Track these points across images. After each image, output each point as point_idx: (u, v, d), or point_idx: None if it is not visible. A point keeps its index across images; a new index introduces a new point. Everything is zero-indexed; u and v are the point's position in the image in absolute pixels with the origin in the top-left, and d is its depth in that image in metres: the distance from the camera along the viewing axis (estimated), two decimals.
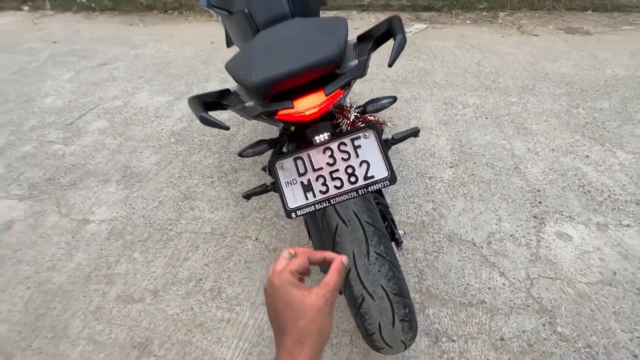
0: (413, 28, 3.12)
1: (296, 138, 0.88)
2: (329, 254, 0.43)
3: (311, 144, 0.78)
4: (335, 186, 0.75)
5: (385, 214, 0.95)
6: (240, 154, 0.86)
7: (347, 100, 0.96)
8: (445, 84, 2.23)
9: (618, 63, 2.26)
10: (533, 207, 1.41)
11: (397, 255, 0.79)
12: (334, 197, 0.74)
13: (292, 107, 0.70)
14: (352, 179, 0.74)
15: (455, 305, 1.13)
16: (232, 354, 1.08)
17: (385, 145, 0.94)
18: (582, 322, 1.06)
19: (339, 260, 0.42)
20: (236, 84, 0.82)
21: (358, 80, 0.81)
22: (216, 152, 1.90)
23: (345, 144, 0.76)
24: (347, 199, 0.74)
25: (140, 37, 3.55)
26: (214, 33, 3.42)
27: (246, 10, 0.98)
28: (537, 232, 1.32)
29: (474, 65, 2.40)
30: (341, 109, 0.84)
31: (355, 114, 0.83)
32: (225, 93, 0.83)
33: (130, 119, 2.25)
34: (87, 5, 4.66)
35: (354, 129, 0.77)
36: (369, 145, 0.75)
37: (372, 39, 0.80)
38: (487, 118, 1.90)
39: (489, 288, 1.17)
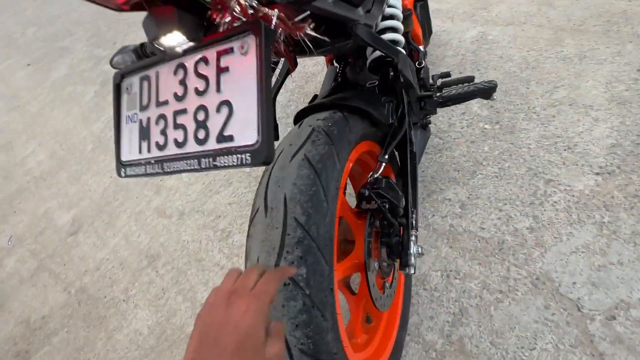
0: None
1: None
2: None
3: (164, 54, 0.43)
4: (175, 140, 0.42)
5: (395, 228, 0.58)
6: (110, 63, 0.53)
7: None
8: None
9: None
10: None
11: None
12: (168, 162, 0.43)
13: None
14: (201, 133, 0.40)
15: None
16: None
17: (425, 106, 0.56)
18: None
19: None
20: None
21: None
22: None
23: (207, 62, 0.40)
24: (183, 169, 0.42)
25: None
26: None
27: None
28: None
29: None
30: None
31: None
32: None
33: None
34: None
35: (229, 30, 0.39)
36: (242, 70, 0.37)
37: None
38: None
39: None
